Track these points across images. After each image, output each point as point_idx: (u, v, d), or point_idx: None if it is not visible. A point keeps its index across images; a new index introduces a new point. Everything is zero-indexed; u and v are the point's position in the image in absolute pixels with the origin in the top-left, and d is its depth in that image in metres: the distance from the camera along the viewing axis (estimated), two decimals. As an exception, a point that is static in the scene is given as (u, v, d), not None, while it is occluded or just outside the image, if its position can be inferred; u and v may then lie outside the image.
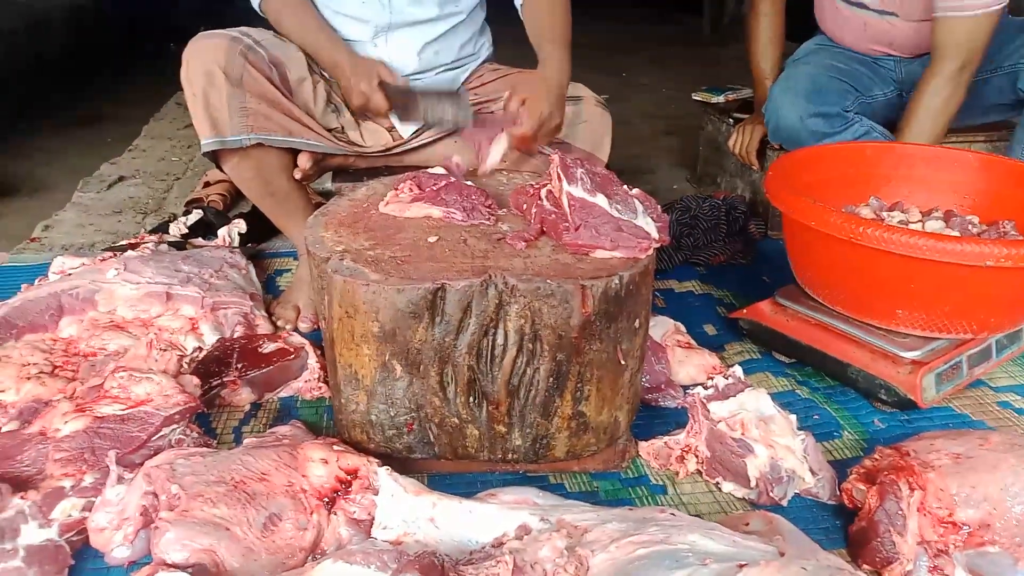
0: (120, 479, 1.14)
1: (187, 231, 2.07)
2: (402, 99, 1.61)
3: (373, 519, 1.08)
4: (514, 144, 1.51)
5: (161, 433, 1.23)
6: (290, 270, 1.99)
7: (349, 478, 1.13)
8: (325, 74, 1.71)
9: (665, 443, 1.33)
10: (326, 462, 1.13)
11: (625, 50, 5.04)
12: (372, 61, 1.62)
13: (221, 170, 1.67)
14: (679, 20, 5.86)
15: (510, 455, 1.25)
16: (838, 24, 2.09)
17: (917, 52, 2.00)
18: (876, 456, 1.23)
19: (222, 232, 2.06)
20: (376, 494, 1.08)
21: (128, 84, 4.07)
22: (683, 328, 1.64)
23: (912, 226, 1.60)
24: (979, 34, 1.75)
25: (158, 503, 1.09)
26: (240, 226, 2.07)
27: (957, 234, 1.56)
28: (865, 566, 1.12)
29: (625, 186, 1.31)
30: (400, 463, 1.26)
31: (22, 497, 1.10)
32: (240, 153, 1.58)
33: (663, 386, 1.50)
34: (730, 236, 2.05)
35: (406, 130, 1.73)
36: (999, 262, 1.27)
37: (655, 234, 1.24)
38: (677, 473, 1.31)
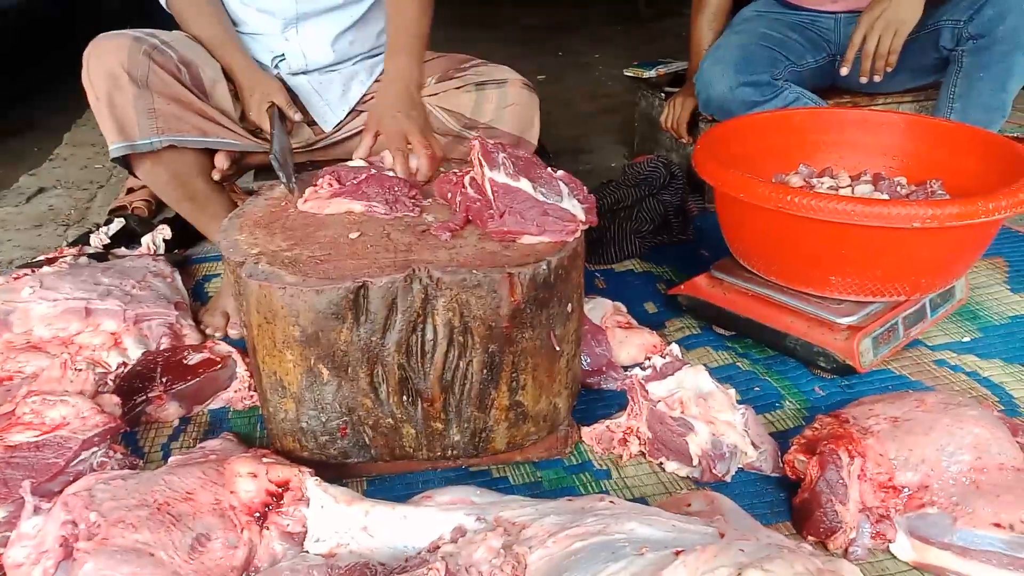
0: (37, 510, 1.07)
1: (109, 241, 1.98)
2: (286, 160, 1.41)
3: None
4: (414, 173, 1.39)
5: (80, 457, 1.17)
6: (219, 275, 1.92)
7: (280, 490, 1.08)
8: None
9: (607, 427, 1.31)
10: (255, 476, 1.08)
11: (563, 29, 5.00)
12: (269, 85, 1.54)
13: (135, 176, 1.60)
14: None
15: (449, 451, 1.22)
16: None
17: (859, 6, 1.97)
18: (816, 425, 1.23)
19: (146, 240, 1.98)
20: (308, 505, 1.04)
21: (59, 90, 3.85)
22: (623, 308, 1.62)
23: (842, 191, 1.60)
24: None
25: (78, 532, 1.03)
26: (165, 232, 1.99)
27: (886, 197, 1.56)
28: (810, 537, 1.11)
29: (549, 168, 1.27)
30: (336, 469, 1.22)
31: (-71, 539, 1.04)
32: (152, 157, 1.52)
33: (604, 368, 1.48)
34: (673, 196, 2.03)
35: (327, 124, 1.67)
36: (925, 223, 1.28)
37: (582, 216, 1.21)
38: (620, 456, 1.29)
